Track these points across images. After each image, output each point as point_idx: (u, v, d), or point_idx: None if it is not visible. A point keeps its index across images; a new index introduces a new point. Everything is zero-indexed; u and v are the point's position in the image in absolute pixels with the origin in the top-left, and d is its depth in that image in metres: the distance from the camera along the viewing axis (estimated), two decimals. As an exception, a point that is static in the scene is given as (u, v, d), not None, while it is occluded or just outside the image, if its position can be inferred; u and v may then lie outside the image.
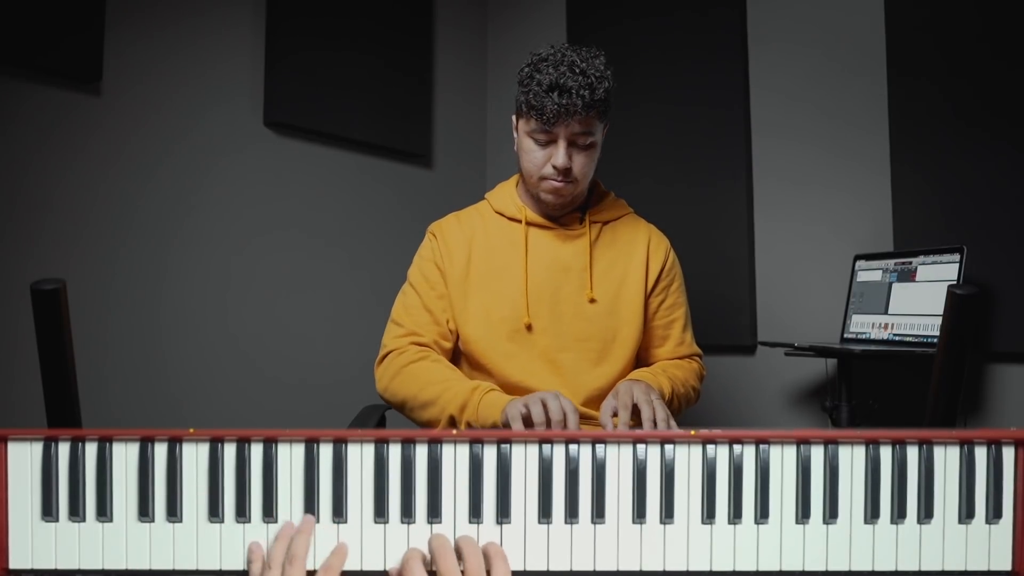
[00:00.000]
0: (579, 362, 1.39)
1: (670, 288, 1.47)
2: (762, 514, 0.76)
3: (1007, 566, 0.76)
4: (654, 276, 1.44)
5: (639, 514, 0.76)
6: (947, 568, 0.76)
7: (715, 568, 0.76)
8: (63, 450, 0.76)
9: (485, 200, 1.50)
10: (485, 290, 1.39)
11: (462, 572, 0.70)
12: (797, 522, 0.76)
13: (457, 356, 1.47)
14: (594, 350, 1.39)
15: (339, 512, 0.76)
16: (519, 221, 1.42)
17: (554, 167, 1.31)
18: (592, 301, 1.39)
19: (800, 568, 0.76)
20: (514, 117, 1.39)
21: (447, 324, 1.41)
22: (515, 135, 1.39)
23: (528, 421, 1.12)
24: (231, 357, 2.26)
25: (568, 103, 1.24)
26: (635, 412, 1.19)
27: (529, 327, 1.37)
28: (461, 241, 1.43)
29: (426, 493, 0.76)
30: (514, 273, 1.39)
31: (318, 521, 0.76)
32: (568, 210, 1.41)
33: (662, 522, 0.76)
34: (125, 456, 0.77)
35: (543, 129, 1.29)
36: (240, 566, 0.76)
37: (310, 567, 0.75)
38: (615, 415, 1.19)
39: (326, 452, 0.77)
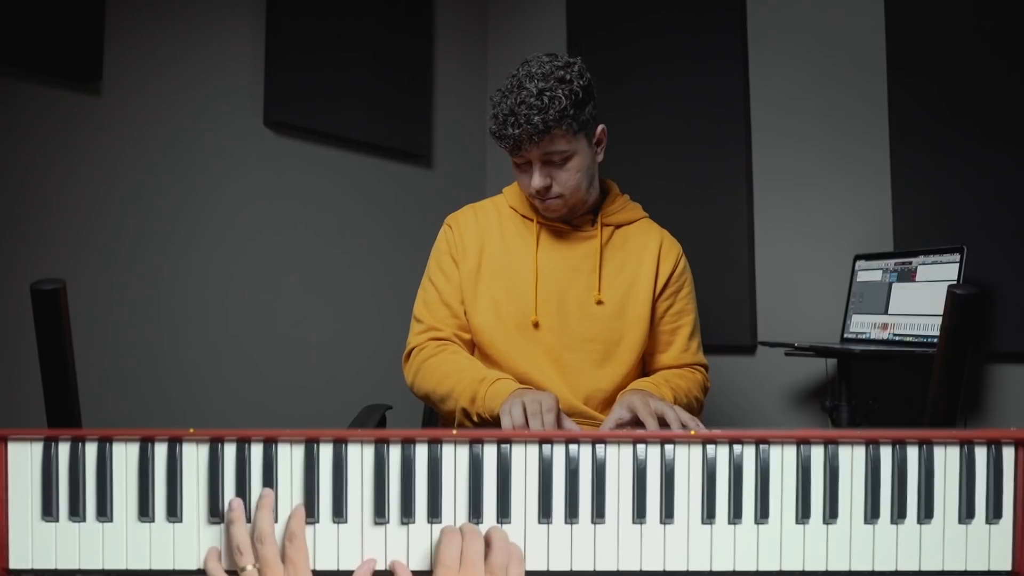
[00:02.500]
0: (583, 362, 1.39)
1: (678, 294, 1.46)
2: (762, 514, 0.76)
3: (1007, 566, 0.76)
4: (663, 280, 1.44)
5: (639, 514, 0.76)
6: (947, 568, 0.76)
7: (715, 568, 0.76)
8: (63, 450, 0.76)
9: (502, 194, 1.51)
10: (495, 283, 1.41)
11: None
12: (797, 522, 0.76)
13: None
14: (598, 351, 1.39)
15: (339, 512, 0.76)
16: (532, 219, 1.43)
17: (534, 188, 1.32)
18: (599, 303, 1.39)
19: (800, 568, 0.76)
20: None
21: (464, 315, 1.43)
22: None
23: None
24: (231, 357, 2.26)
25: (520, 131, 1.24)
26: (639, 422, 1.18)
27: (536, 325, 1.38)
28: (475, 232, 1.44)
29: (426, 493, 0.76)
30: (524, 270, 1.40)
31: (318, 521, 0.76)
32: (577, 214, 1.42)
33: (662, 522, 0.76)
34: (125, 456, 0.77)
35: (512, 153, 1.31)
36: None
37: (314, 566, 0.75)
38: (621, 426, 1.19)
39: (326, 452, 0.76)
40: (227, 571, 0.73)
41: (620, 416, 1.19)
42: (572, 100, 1.25)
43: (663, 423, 1.14)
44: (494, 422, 1.22)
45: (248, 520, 0.74)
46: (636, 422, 1.18)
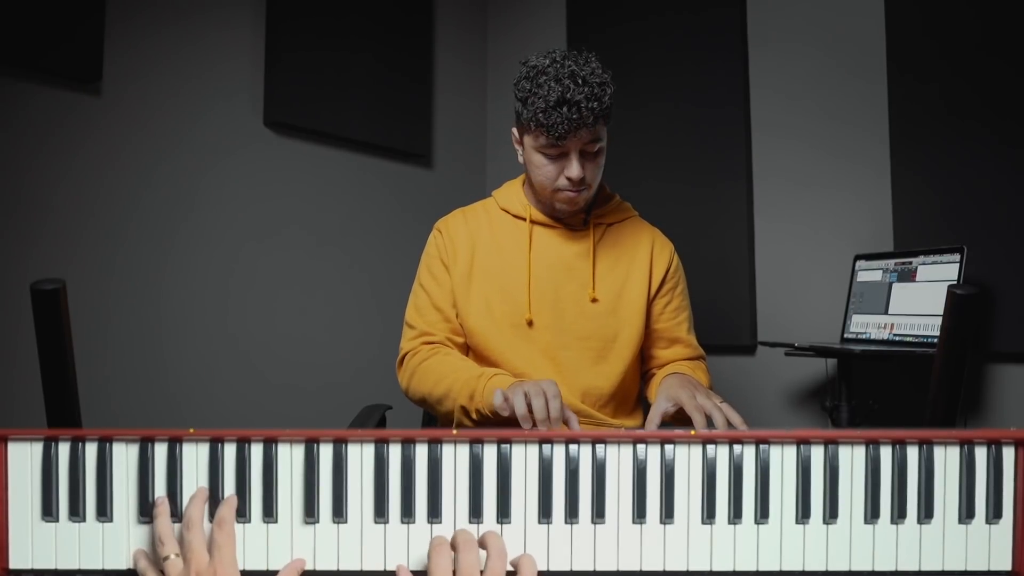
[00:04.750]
0: (579, 360, 1.39)
1: (675, 291, 1.48)
2: (762, 514, 0.76)
3: (1007, 566, 0.76)
4: (658, 279, 1.45)
5: (639, 514, 0.76)
6: (947, 568, 0.76)
7: (715, 568, 0.76)
8: (63, 450, 0.76)
9: (492, 198, 1.51)
10: (488, 284, 1.41)
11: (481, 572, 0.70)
12: (797, 522, 0.76)
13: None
14: (594, 349, 1.40)
15: (339, 512, 0.76)
16: (524, 219, 1.44)
17: (569, 179, 1.31)
18: (594, 301, 1.40)
19: (800, 568, 0.76)
20: (515, 131, 1.38)
21: (456, 319, 1.43)
22: (517, 148, 1.39)
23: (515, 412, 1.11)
24: (231, 357, 2.26)
25: (578, 117, 1.23)
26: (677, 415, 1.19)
27: (530, 323, 1.38)
28: (466, 236, 1.45)
29: (426, 493, 0.76)
30: (517, 270, 1.41)
31: (318, 522, 0.76)
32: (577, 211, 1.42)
33: (662, 522, 0.76)
34: (125, 456, 0.77)
35: (553, 144, 1.28)
36: (241, 565, 0.76)
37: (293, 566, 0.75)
38: (665, 419, 1.19)
39: (326, 452, 0.76)
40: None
41: (665, 409, 1.19)
42: (612, 90, 1.28)
43: (709, 421, 1.13)
44: (493, 418, 1.22)
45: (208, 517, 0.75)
46: (679, 414, 1.17)
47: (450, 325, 1.43)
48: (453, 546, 0.72)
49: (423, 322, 1.43)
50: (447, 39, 2.94)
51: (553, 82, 1.23)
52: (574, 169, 1.29)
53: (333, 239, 2.53)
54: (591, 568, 0.76)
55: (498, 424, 1.17)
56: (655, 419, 1.19)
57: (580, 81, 1.23)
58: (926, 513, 0.76)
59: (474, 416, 1.27)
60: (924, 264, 1.86)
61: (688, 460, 0.77)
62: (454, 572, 0.69)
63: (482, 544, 0.73)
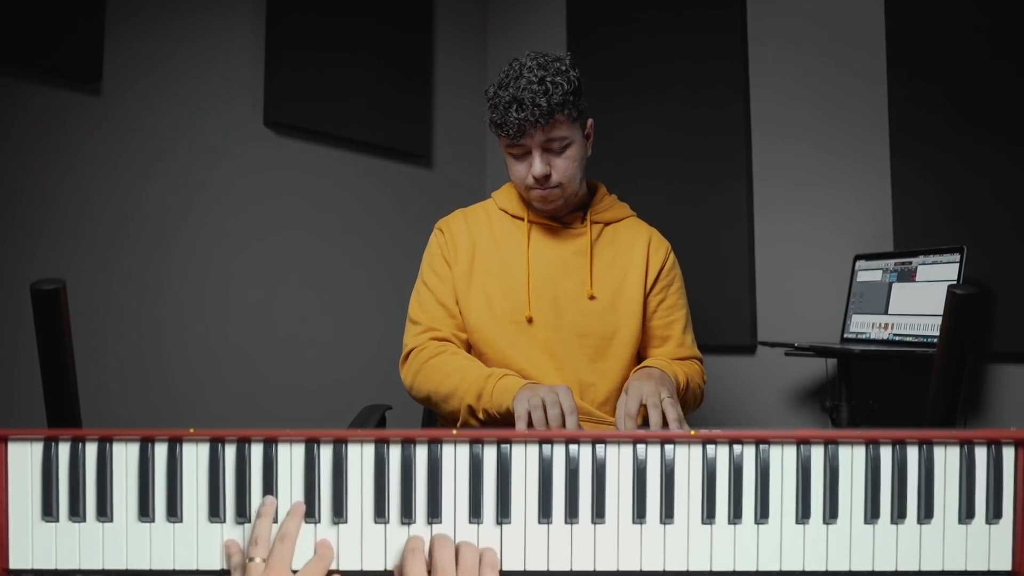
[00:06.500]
0: (578, 357, 1.40)
1: (669, 288, 1.49)
2: (762, 514, 0.76)
3: (1007, 566, 0.76)
4: (653, 275, 1.46)
5: (639, 514, 0.76)
6: (947, 568, 0.76)
7: (715, 568, 0.76)
8: (63, 450, 0.76)
9: (491, 199, 1.53)
10: (488, 282, 1.42)
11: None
12: (797, 522, 0.76)
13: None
14: (592, 346, 1.41)
15: (339, 512, 0.76)
16: (522, 219, 1.45)
17: (534, 177, 1.34)
18: (592, 298, 1.41)
19: (800, 568, 0.76)
20: None
21: (460, 315, 1.44)
22: None
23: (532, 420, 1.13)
24: (231, 357, 2.26)
25: (526, 115, 1.27)
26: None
27: (530, 320, 1.40)
28: (466, 235, 1.46)
29: (426, 493, 0.76)
30: (516, 268, 1.42)
31: (318, 521, 0.76)
32: (568, 210, 1.44)
33: (662, 522, 0.76)
34: (125, 456, 0.77)
35: (513, 144, 1.33)
36: (241, 566, 0.76)
37: (296, 566, 0.74)
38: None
39: (326, 452, 0.77)
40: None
41: (628, 408, 1.19)
42: (571, 87, 1.30)
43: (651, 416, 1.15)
44: (501, 419, 1.22)
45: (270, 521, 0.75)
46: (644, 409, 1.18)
47: (455, 321, 1.44)
48: (429, 548, 0.73)
49: (428, 318, 1.44)
50: (447, 39, 2.94)
51: (510, 84, 1.29)
52: (536, 167, 1.33)
53: (333, 239, 2.53)
54: (591, 568, 0.76)
55: (502, 424, 1.17)
56: (619, 417, 1.19)
57: (534, 79, 1.27)
58: (926, 513, 0.76)
59: (481, 416, 1.27)
60: (924, 264, 1.86)
61: (688, 460, 0.77)
62: (429, 573, 0.71)
63: (457, 551, 0.73)
